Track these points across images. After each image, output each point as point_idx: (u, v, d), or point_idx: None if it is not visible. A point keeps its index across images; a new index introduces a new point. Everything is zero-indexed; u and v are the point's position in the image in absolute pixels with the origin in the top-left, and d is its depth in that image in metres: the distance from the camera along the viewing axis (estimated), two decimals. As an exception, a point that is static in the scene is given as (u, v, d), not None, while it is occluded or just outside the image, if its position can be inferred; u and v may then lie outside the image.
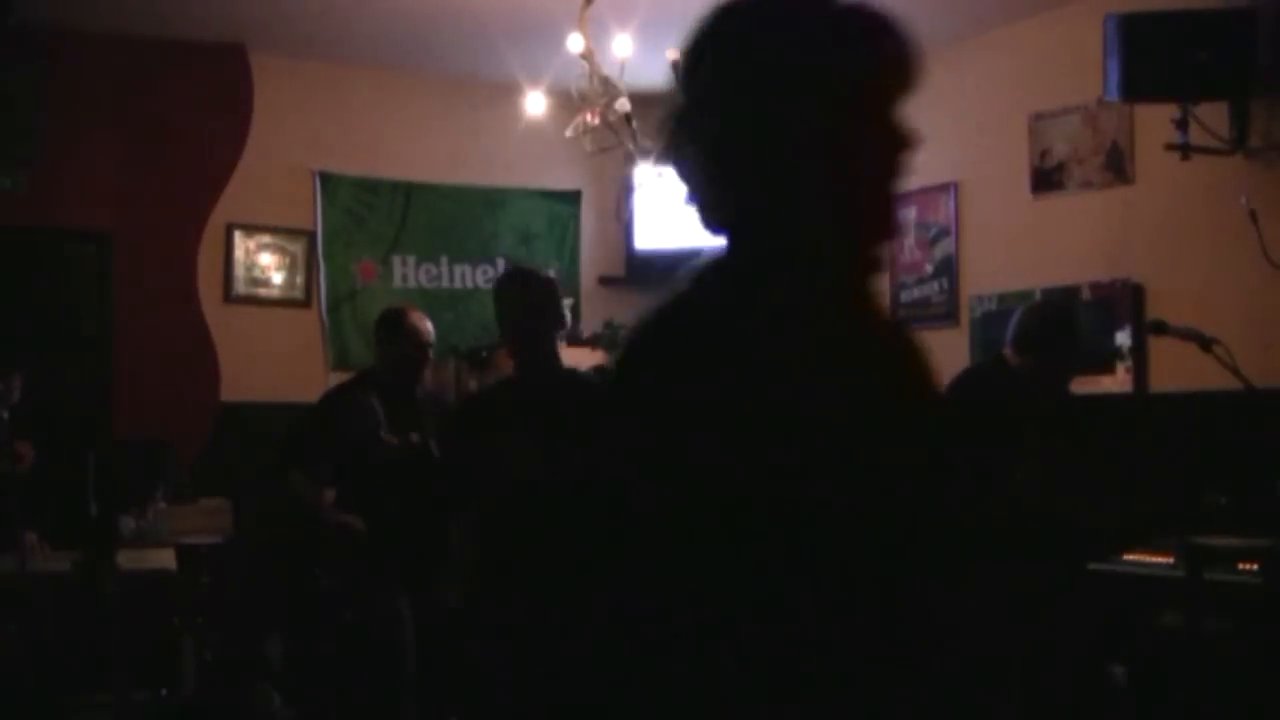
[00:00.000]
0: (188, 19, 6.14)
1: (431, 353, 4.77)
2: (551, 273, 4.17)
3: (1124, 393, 5.59)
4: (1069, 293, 5.86)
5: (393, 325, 4.67)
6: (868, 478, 1.28)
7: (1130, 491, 4.21)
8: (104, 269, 6.33)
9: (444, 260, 7.10)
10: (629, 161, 5.47)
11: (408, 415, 4.61)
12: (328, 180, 6.82)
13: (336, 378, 5.94)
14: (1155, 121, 5.38)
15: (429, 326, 4.71)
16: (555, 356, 3.76)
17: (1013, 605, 3.86)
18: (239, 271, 6.63)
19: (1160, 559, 4.54)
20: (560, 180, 7.35)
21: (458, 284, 7.13)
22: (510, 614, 3.57)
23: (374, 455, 4.51)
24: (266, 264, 6.70)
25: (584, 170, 7.23)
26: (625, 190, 6.77)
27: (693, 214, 1.48)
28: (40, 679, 4.65)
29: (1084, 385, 5.71)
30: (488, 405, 3.87)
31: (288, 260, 6.75)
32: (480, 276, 7.18)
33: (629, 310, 6.75)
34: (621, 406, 1.35)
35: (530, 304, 3.70)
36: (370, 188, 6.94)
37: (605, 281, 7.51)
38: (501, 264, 7.22)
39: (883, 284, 6.96)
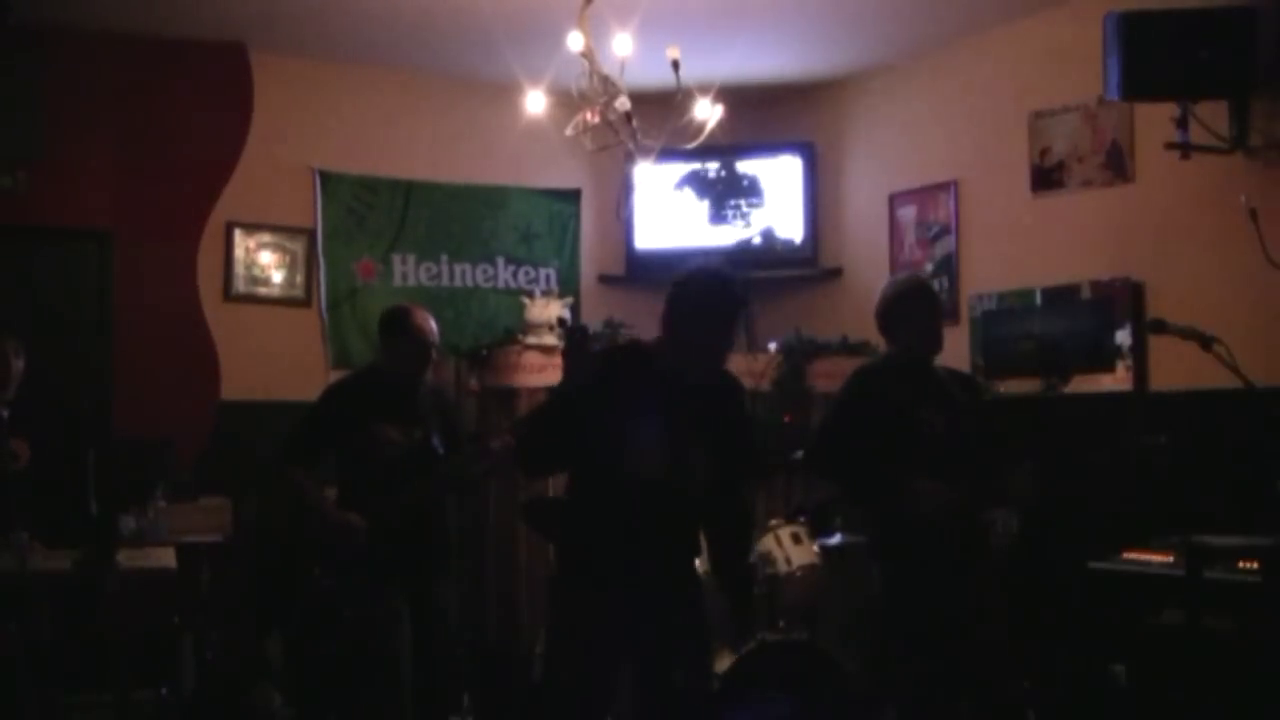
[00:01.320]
0: (188, 18, 6.14)
1: (435, 352, 4.78)
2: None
3: (1124, 391, 5.59)
4: (1069, 291, 5.87)
5: (398, 324, 4.67)
6: None
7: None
8: (104, 268, 6.33)
9: (444, 259, 7.09)
10: (629, 160, 5.45)
11: (410, 412, 4.62)
12: (328, 179, 6.81)
13: (336, 376, 5.94)
14: (1155, 120, 5.38)
15: (434, 326, 4.72)
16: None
17: None
18: (239, 270, 6.62)
19: (1160, 558, 4.55)
20: (560, 179, 7.34)
21: (458, 283, 7.13)
22: None
23: (374, 453, 4.51)
24: (266, 262, 6.70)
25: (584, 169, 7.23)
26: (625, 189, 6.76)
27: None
28: (40, 679, 4.65)
29: (1084, 384, 5.73)
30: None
31: (288, 259, 6.75)
32: (480, 275, 7.17)
33: (629, 309, 6.75)
34: None
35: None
36: (370, 186, 6.93)
37: (605, 280, 7.51)
38: (501, 263, 7.23)
39: (883, 283, 6.97)
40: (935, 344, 4.28)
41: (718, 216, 7.40)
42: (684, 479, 3.50)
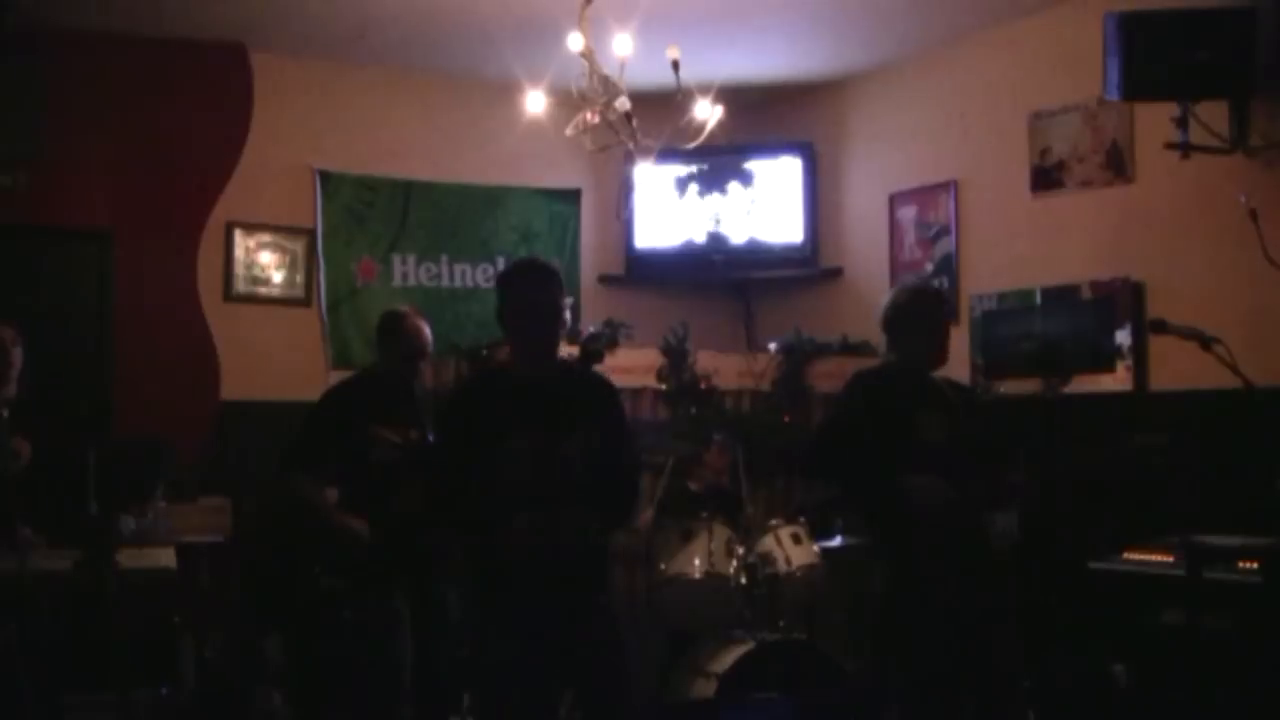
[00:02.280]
0: (188, 18, 6.14)
1: (429, 355, 4.79)
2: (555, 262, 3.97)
3: (1124, 391, 5.59)
4: (1069, 291, 5.87)
5: (391, 328, 4.71)
6: None
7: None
8: (104, 268, 6.32)
9: (444, 259, 7.10)
10: (629, 160, 5.46)
11: (407, 413, 4.62)
12: (328, 179, 6.81)
13: (336, 376, 5.94)
14: (1155, 120, 5.38)
15: (427, 330, 4.73)
16: (556, 349, 3.67)
17: None
18: (239, 270, 6.63)
19: (1161, 557, 4.55)
20: (560, 179, 7.34)
21: (458, 283, 7.13)
22: None
23: (373, 453, 4.52)
24: (266, 262, 6.70)
25: (584, 169, 7.23)
26: (625, 189, 6.76)
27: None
28: (40, 679, 4.64)
29: (1084, 384, 5.73)
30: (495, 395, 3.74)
31: (288, 259, 6.75)
32: (480, 275, 7.18)
33: (629, 309, 6.76)
34: None
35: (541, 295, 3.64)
36: (370, 186, 6.93)
37: (605, 280, 7.51)
38: (501, 262, 7.22)
39: (883, 283, 6.97)
40: (941, 358, 4.25)
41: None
42: (560, 482, 3.48)
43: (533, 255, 3.76)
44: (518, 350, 3.65)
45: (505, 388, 3.61)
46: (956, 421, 4.14)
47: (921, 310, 4.23)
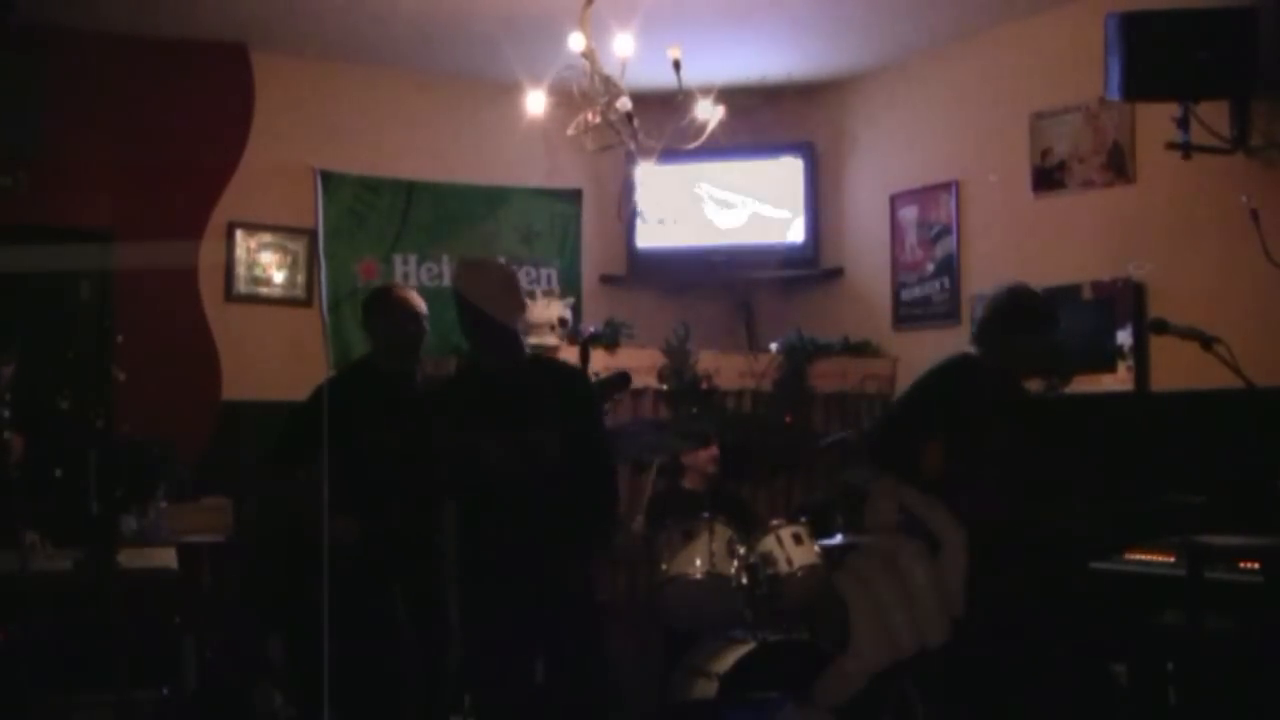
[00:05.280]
0: (189, 18, 6.14)
1: (425, 323, 4.70)
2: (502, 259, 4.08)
3: (1125, 391, 5.59)
4: (1070, 291, 5.86)
5: (380, 303, 4.66)
6: None
7: (1109, 492, 4.17)
8: (104, 268, 6.32)
9: (445, 259, 7.09)
10: (630, 160, 5.46)
11: (409, 403, 4.56)
12: (329, 179, 6.81)
13: (337, 376, 5.95)
14: (1156, 120, 5.37)
15: (418, 300, 4.66)
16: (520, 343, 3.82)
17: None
18: (240, 270, 6.62)
19: (1161, 558, 4.54)
20: (561, 179, 7.33)
21: (459, 283, 7.12)
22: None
23: (369, 451, 4.50)
24: (268, 262, 6.70)
25: (585, 169, 7.22)
26: (626, 189, 6.76)
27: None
28: (40, 679, 4.65)
29: (1085, 384, 5.73)
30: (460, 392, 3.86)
31: (289, 259, 6.75)
32: (481, 275, 7.17)
33: (630, 309, 6.76)
34: None
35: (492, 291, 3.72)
36: (371, 186, 6.93)
37: (606, 280, 7.50)
38: (503, 263, 7.22)
39: (884, 283, 6.98)
40: (1029, 362, 4.19)
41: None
42: (534, 468, 3.63)
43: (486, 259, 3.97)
44: (474, 350, 3.89)
45: (477, 382, 3.82)
46: (1037, 437, 4.08)
47: (1007, 310, 4.18)
